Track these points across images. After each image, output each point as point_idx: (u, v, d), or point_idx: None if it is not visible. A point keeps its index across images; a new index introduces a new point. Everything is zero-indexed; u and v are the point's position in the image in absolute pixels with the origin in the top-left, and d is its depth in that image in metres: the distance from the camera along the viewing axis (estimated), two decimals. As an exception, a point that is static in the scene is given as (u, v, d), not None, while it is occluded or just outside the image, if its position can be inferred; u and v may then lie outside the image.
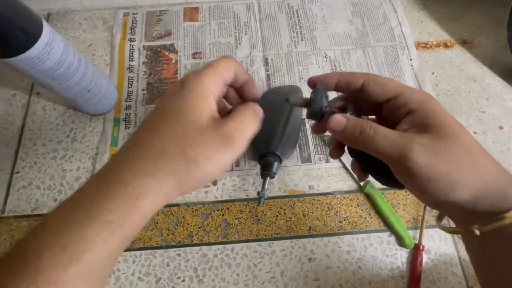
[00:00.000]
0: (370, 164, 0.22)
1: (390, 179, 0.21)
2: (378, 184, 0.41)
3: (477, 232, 0.18)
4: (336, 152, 0.25)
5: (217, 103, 0.20)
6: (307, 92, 0.47)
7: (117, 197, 0.16)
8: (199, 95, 0.18)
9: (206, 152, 0.17)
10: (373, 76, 0.22)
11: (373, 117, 0.24)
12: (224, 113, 0.22)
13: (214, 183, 0.35)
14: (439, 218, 0.24)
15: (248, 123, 0.20)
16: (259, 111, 0.22)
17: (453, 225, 0.22)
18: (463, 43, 0.51)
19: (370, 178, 0.42)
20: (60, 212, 0.16)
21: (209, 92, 0.19)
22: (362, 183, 0.41)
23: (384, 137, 0.19)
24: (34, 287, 0.14)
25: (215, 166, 0.18)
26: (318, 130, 0.24)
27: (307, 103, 0.22)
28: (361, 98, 0.23)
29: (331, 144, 0.26)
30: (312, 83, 0.23)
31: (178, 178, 0.17)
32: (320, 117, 0.22)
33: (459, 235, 0.23)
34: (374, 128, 0.20)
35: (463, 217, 0.20)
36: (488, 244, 0.20)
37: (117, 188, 0.16)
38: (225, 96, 0.24)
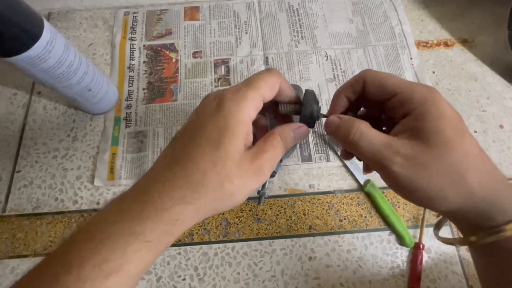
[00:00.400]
0: None
1: None
2: (378, 183, 0.41)
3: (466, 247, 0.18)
4: (347, 153, 0.24)
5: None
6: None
7: (158, 220, 0.17)
8: (238, 122, 0.18)
9: (241, 184, 0.18)
10: (371, 73, 0.20)
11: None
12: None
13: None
14: (437, 227, 0.23)
15: (277, 152, 0.20)
16: (292, 139, 0.21)
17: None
18: (464, 42, 0.51)
19: (371, 176, 0.42)
20: (103, 224, 0.17)
21: (248, 118, 0.19)
22: (362, 182, 0.41)
23: (369, 143, 0.18)
24: None
25: (245, 194, 0.19)
26: (346, 155, 0.24)
27: (297, 111, 0.22)
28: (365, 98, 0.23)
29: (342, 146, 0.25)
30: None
31: (212, 206, 0.18)
32: (313, 123, 0.22)
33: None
34: (361, 131, 0.19)
35: (459, 223, 0.20)
36: (486, 256, 0.19)
37: (158, 212, 0.17)
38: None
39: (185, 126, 0.19)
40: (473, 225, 0.18)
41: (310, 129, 0.44)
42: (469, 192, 0.17)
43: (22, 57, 0.31)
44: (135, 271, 0.17)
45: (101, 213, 0.18)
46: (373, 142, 0.18)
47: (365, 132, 0.19)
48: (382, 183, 0.41)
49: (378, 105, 0.21)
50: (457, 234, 0.39)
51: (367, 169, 0.24)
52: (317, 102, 0.22)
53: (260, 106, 0.20)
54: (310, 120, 0.22)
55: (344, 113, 0.23)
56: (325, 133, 0.22)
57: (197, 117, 0.19)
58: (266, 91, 0.19)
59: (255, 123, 0.21)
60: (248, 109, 0.18)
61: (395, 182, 0.18)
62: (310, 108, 0.21)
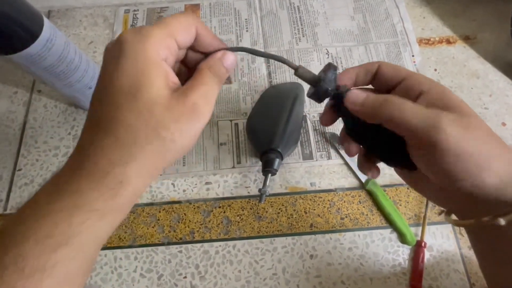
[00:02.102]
0: (375, 142, 0.21)
1: (399, 157, 0.20)
2: (380, 181, 0.41)
3: (503, 222, 0.17)
4: (328, 117, 0.23)
5: (173, 68, 0.18)
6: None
7: (101, 187, 0.16)
8: (148, 63, 0.16)
9: (179, 127, 0.17)
10: (386, 62, 0.22)
11: None
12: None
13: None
14: (448, 213, 0.22)
15: (211, 87, 0.18)
16: (222, 69, 0.19)
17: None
18: (466, 39, 0.50)
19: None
20: (39, 201, 0.16)
21: (158, 58, 0.16)
22: (363, 180, 0.41)
23: (413, 107, 0.17)
24: (18, 275, 0.14)
25: (189, 137, 0.17)
26: (326, 119, 0.22)
27: (315, 81, 0.21)
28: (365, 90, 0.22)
29: (324, 114, 0.23)
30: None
31: (158, 158, 0.17)
32: (319, 99, 0.21)
33: (464, 229, 0.22)
34: (400, 99, 0.18)
35: (476, 208, 0.19)
36: (496, 240, 0.19)
37: (98, 178, 0.16)
38: (185, 62, 0.21)
39: (96, 84, 0.17)
40: (502, 204, 0.17)
41: (311, 127, 0.44)
42: (508, 161, 0.17)
43: (22, 55, 0.31)
44: (86, 242, 0.16)
45: (32, 198, 0.16)
46: (416, 107, 0.18)
47: (404, 100, 0.18)
48: (384, 181, 0.41)
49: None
50: (459, 231, 0.39)
51: (369, 167, 0.23)
52: (336, 81, 0.21)
53: (173, 46, 0.17)
54: (320, 97, 0.21)
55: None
56: (344, 109, 0.21)
57: (103, 70, 0.17)
58: (177, 29, 0.17)
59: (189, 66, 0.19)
60: (156, 46, 0.16)
61: (443, 146, 0.16)
62: (328, 85, 0.20)
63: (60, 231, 0.15)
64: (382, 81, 0.21)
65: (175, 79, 0.18)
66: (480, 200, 0.18)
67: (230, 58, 0.20)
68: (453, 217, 0.21)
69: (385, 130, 0.19)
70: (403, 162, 0.20)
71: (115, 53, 0.16)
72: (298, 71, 0.21)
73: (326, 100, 0.22)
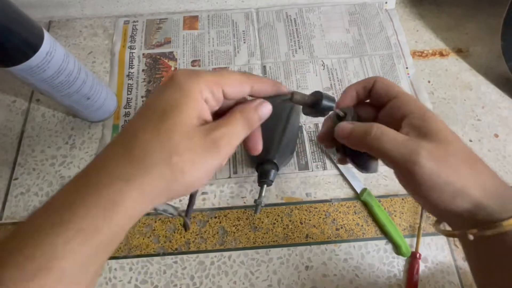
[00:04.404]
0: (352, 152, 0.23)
1: (366, 164, 0.22)
2: (375, 192, 0.42)
3: (471, 237, 0.18)
4: (344, 158, 0.24)
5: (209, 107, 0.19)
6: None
7: (91, 204, 0.15)
8: (185, 94, 0.17)
9: (192, 158, 0.16)
10: (382, 78, 0.23)
11: None
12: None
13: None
14: (438, 222, 0.24)
15: (237, 130, 0.19)
16: (254, 116, 0.20)
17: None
18: (459, 52, 0.51)
19: (368, 184, 0.42)
20: (32, 219, 0.15)
21: (197, 93, 0.17)
22: (359, 191, 0.41)
23: (392, 138, 0.19)
24: None
25: (200, 172, 0.17)
26: (343, 160, 0.24)
27: (313, 102, 0.22)
28: (361, 105, 0.24)
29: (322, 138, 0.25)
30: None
31: (161, 185, 0.16)
32: (323, 114, 0.23)
33: (458, 240, 0.23)
34: (381, 130, 0.20)
35: (462, 224, 0.20)
36: (484, 251, 0.20)
37: (91, 194, 0.15)
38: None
39: (140, 106, 0.19)
40: (477, 223, 0.19)
41: (307, 137, 0.44)
42: (485, 183, 0.18)
43: (21, 67, 0.31)
44: (70, 267, 0.14)
45: (37, 208, 0.15)
46: (396, 137, 0.19)
47: (386, 129, 0.20)
48: (379, 192, 0.42)
49: (371, 116, 0.23)
50: (453, 242, 0.39)
51: (343, 160, 0.24)
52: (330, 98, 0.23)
53: (218, 93, 0.18)
54: (315, 113, 0.23)
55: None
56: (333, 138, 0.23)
57: (150, 96, 0.18)
58: (228, 81, 0.18)
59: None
60: (200, 86, 0.17)
61: (418, 178, 0.18)
62: (326, 106, 0.22)
63: (41, 252, 0.13)
64: (376, 97, 0.23)
65: (208, 118, 0.18)
66: (465, 218, 0.19)
67: (266, 107, 0.20)
68: (446, 226, 0.22)
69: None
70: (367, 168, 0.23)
71: (164, 82, 0.18)
72: (293, 97, 0.22)
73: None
